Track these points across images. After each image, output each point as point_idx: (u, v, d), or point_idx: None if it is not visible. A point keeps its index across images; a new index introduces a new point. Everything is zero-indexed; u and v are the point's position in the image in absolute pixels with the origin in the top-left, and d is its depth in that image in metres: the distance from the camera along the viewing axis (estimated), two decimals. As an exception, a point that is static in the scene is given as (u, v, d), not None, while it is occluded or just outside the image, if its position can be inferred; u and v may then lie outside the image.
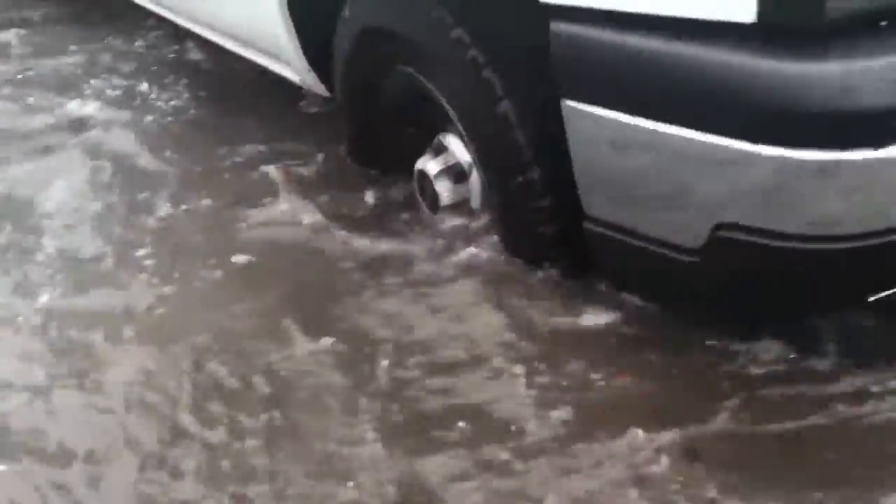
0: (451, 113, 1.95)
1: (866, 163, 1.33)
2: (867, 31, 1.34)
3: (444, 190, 2.10)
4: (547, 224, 1.81)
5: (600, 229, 1.69)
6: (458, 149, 2.06)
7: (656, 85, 1.47)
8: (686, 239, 1.55)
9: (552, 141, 1.71)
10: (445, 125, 2.09)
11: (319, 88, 2.50)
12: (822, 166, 1.34)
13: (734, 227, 1.48)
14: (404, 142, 2.28)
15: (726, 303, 1.65)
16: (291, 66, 2.50)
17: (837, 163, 1.33)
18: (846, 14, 1.32)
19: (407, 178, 2.26)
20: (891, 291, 1.53)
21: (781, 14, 1.33)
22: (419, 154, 2.17)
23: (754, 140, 1.38)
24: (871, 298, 1.53)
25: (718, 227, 1.50)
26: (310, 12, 2.30)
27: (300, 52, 2.39)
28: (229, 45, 2.89)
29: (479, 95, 1.81)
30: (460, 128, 1.95)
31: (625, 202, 1.63)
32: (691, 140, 1.44)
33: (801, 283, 1.52)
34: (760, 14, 1.33)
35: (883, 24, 1.34)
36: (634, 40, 1.47)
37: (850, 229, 1.40)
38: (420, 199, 2.20)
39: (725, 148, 1.41)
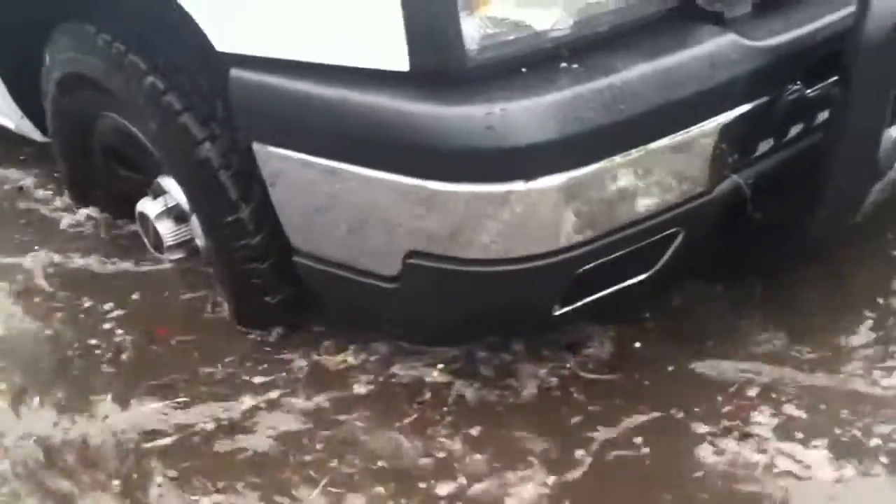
0: (158, 157, 1.97)
1: (520, 194, 1.46)
2: (509, 77, 1.47)
3: (166, 231, 2.12)
4: (260, 261, 1.86)
5: (309, 262, 1.76)
6: (176, 191, 2.08)
7: (331, 128, 1.54)
8: (384, 267, 1.65)
9: (258, 180, 1.77)
10: (162, 167, 2.10)
11: (35, 134, 2.44)
12: (480, 197, 1.47)
13: (421, 254, 1.58)
14: (122, 183, 2.28)
15: (431, 326, 1.77)
16: (5, 114, 2.42)
17: (492, 194, 1.46)
18: (486, 62, 1.45)
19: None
20: (575, 305, 1.67)
21: (430, 63, 1.44)
22: (135, 193, 2.17)
23: (420, 175, 1.48)
24: (558, 313, 1.67)
25: (409, 254, 1.60)
26: (14, 62, 2.24)
27: (9, 99, 2.32)
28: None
29: (179, 140, 1.83)
30: (169, 171, 1.97)
31: (325, 236, 1.70)
32: (367, 176, 1.53)
33: (487, 302, 1.65)
34: (412, 63, 1.44)
35: (523, 70, 1.48)
36: (308, 87, 1.54)
37: (515, 252, 1.53)
38: (145, 239, 2.21)
39: (396, 182, 1.51)
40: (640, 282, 1.70)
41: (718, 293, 1.99)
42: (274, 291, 1.91)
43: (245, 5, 1.57)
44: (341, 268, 1.71)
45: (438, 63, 1.44)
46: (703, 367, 1.83)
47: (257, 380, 1.89)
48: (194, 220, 2.08)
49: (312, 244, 1.74)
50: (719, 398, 1.75)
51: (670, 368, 1.83)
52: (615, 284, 1.69)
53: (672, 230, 1.64)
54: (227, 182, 1.81)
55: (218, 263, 1.99)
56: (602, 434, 1.70)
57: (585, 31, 1.51)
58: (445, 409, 1.79)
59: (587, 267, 1.58)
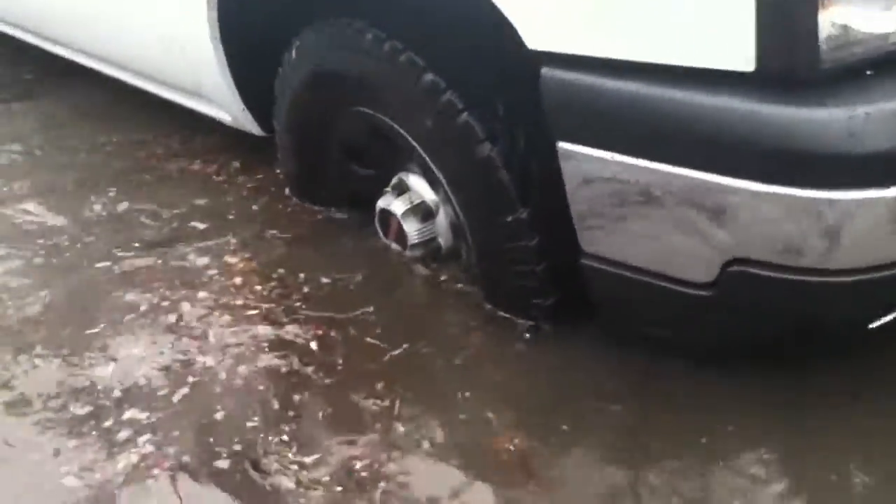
0: (424, 155, 1.92)
1: (876, 201, 1.39)
2: (856, 80, 1.40)
3: (412, 229, 2.08)
4: (535, 263, 1.81)
5: (602, 266, 1.69)
6: (422, 188, 2.05)
7: (660, 129, 1.47)
8: (696, 274, 1.58)
9: (539, 180, 1.72)
10: (405, 165, 2.07)
11: (254, 128, 2.42)
12: (830, 205, 1.40)
13: (747, 261, 1.51)
14: (355, 181, 2.25)
15: (740, 337, 1.70)
16: (223, 107, 2.40)
17: (843, 202, 1.39)
18: (837, 64, 1.38)
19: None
20: (891, 317, 1.60)
21: (780, 63, 1.37)
22: (368, 190, 2.13)
23: (763, 180, 1.41)
24: (873, 325, 1.60)
25: (731, 262, 1.53)
26: (248, 55, 2.21)
27: (236, 93, 2.30)
28: (135, 81, 2.75)
29: (457, 139, 1.79)
30: (435, 169, 1.92)
31: (628, 240, 1.63)
32: (696, 179, 1.47)
33: (812, 314, 1.58)
34: (759, 63, 1.38)
35: (868, 73, 1.41)
36: (634, 87, 1.47)
37: (857, 263, 1.46)
38: (384, 237, 2.17)
39: (732, 186, 1.44)
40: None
41: None
42: (545, 294, 1.86)
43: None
44: (641, 272, 1.65)
45: (790, 64, 1.38)
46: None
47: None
48: (440, 218, 2.06)
49: (610, 247, 1.67)
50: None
51: None
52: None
53: None
54: (507, 182, 1.76)
55: (479, 265, 1.94)
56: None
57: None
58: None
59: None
